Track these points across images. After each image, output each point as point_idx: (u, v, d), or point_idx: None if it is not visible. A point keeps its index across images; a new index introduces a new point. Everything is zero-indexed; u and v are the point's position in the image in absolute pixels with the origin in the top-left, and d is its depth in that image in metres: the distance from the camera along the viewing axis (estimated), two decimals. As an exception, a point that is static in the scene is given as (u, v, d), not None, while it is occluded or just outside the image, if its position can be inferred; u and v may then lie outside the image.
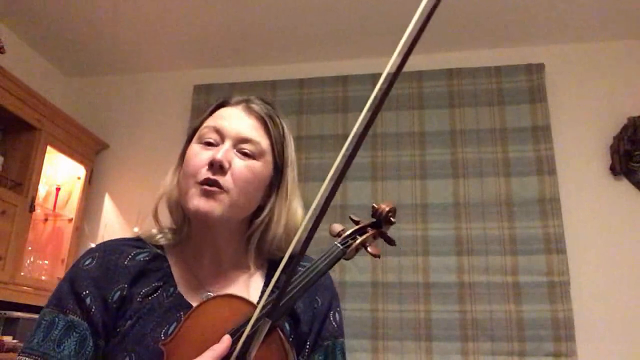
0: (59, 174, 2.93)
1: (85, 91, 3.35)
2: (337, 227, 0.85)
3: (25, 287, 2.52)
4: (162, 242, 0.89)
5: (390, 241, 0.89)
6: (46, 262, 2.78)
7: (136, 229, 2.86)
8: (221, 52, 3.07)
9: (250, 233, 0.89)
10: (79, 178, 2.98)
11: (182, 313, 0.79)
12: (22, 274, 2.53)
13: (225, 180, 0.81)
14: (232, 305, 0.75)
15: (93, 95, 3.33)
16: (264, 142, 0.87)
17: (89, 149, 3.02)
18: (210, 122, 0.87)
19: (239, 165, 0.83)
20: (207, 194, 0.80)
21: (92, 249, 0.87)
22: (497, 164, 2.70)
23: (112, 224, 3.00)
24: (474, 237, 2.60)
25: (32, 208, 2.55)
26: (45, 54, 3.14)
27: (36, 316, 2.57)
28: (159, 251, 0.88)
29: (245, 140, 0.84)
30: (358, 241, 0.82)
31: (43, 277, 2.72)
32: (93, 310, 0.78)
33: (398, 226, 2.70)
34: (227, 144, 0.83)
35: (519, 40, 2.86)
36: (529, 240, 2.54)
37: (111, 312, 0.79)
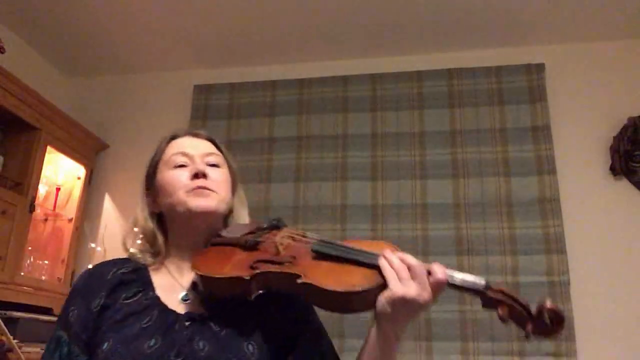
0: (59, 174, 2.93)
1: (85, 91, 3.35)
2: None
3: (25, 287, 2.52)
4: (145, 262, 1.01)
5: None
6: (46, 262, 2.78)
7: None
8: (221, 52, 3.07)
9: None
10: (79, 178, 2.98)
11: (155, 311, 0.91)
12: (22, 274, 2.53)
13: (210, 183, 0.98)
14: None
15: (93, 95, 3.33)
16: (221, 155, 1.07)
17: (89, 149, 3.02)
18: (173, 150, 1.03)
19: (213, 172, 1.01)
20: (202, 194, 0.97)
21: (83, 271, 1.04)
22: (497, 164, 2.69)
23: (112, 224, 3.00)
24: (474, 237, 2.60)
25: (32, 208, 2.55)
26: (45, 54, 3.14)
27: (36, 316, 2.56)
28: (141, 265, 1.01)
29: (210, 154, 1.04)
30: None
31: (43, 277, 2.72)
32: (76, 325, 0.92)
33: (398, 226, 2.70)
34: (198, 160, 1.01)
35: (519, 40, 2.86)
36: (529, 240, 2.54)
37: (93, 317, 0.92)
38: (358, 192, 2.75)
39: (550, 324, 0.80)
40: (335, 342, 0.97)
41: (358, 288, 0.81)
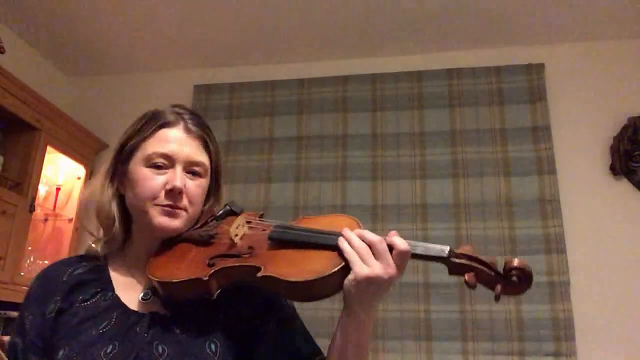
0: (59, 174, 2.93)
1: (85, 91, 3.35)
2: None
3: (25, 287, 2.50)
4: (102, 251, 0.96)
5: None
6: (46, 262, 2.78)
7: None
8: (221, 52, 3.07)
9: None
10: (79, 178, 2.98)
11: (115, 313, 0.87)
12: (22, 274, 2.53)
13: (183, 201, 0.91)
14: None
15: (93, 95, 3.33)
16: (207, 161, 0.96)
17: (89, 149, 3.02)
18: (156, 146, 0.92)
19: (191, 185, 0.93)
20: (170, 214, 0.90)
21: (38, 273, 0.98)
22: (497, 164, 2.69)
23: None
24: (474, 237, 2.60)
25: (32, 208, 2.55)
26: (45, 54, 3.14)
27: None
28: (99, 262, 0.96)
29: (194, 164, 0.94)
30: None
31: (43, 277, 2.72)
32: (31, 333, 0.88)
33: (398, 226, 2.70)
34: (179, 168, 0.92)
35: (519, 40, 2.86)
36: (529, 240, 2.54)
37: (49, 323, 0.88)
38: (358, 192, 2.75)
39: (518, 281, 0.78)
40: (327, 343, 0.94)
41: (320, 275, 0.78)
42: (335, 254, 0.81)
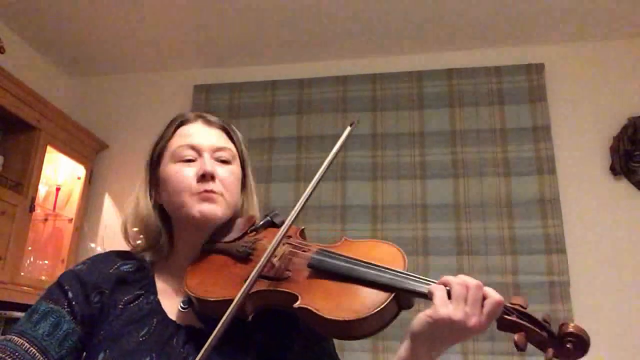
0: (59, 174, 2.93)
1: (85, 91, 3.35)
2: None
3: (25, 287, 2.51)
4: (148, 258, 0.95)
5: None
6: (46, 262, 2.78)
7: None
8: (221, 52, 3.07)
9: None
10: (79, 178, 2.98)
11: (155, 319, 0.86)
12: (22, 274, 2.53)
13: (217, 186, 0.91)
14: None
15: (93, 95, 3.33)
16: (232, 147, 0.97)
17: (89, 149, 3.02)
18: (180, 141, 0.95)
19: (222, 171, 0.93)
20: (207, 199, 0.89)
21: (87, 258, 0.97)
22: (497, 164, 2.69)
23: (112, 224, 3.00)
24: (474, 237, 2.60)
25: (32, 208, 2.55)
26: (45, 54, 3.13)
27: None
28: (144, 263, 0.95)
29: (220, 149, 0.94)
30: None
31: (43, 277, 2.72)
32: (74, 302, 0.86)
33: (398, 226, 2.70)
34: (207, 156, 0.92)
35: (519, 40, 2.86)
36: (529, 240, 2.54)
37: (92, 310, 0.86)
38: (358, 192, 2.75)
39: (573, 349, 0.73)
40: (337, 343, 0.95)
41: (362, 315, 0.72)
42: (380, 292, 0.75)
